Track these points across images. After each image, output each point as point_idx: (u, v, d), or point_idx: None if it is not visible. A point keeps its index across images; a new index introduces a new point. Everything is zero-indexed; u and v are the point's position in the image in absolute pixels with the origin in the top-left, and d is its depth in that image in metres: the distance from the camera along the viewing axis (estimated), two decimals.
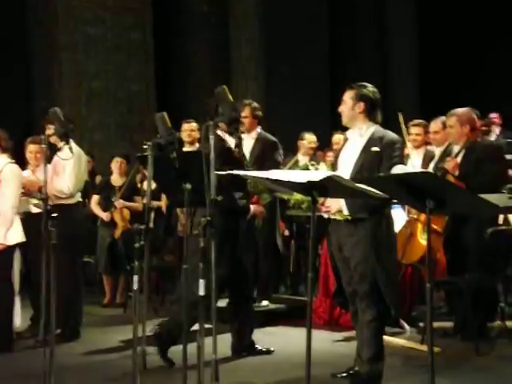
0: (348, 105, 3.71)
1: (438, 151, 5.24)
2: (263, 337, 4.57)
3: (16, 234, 4.78)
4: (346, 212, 3.59)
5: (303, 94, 11.13)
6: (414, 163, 5.28)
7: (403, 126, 5.83)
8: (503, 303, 4.96)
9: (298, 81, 11.12)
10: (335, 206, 3.61)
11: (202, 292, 2.90)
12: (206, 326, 3.20)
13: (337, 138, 6.36)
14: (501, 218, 4.79)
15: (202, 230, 2.89)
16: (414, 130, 5.62)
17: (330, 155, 6.84)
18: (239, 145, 4.40)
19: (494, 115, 7.43)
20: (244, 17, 10.41)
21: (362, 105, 3.68)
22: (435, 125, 5.42)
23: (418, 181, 2.70)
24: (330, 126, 8.40)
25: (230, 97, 3.10)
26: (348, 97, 3.72)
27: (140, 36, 9.45)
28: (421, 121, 5.69)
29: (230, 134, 4.34)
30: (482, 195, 2.97)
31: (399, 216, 4.70)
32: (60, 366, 3.69)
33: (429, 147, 5.67)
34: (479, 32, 11.46)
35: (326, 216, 3.68)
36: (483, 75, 11.20)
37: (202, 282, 2.89)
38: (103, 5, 9.21)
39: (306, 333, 2.89)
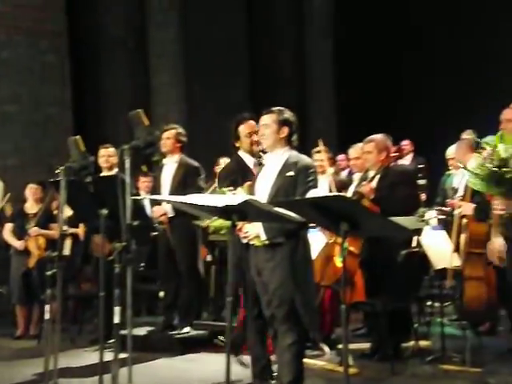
0: (272, 129, 3.68)
1: (357, 176, 5.38)
2: (184, 364, 4.48)
3: None
4: (263, 237, 3.59)
5: (225, 119, 11.15)
6: (321, 187, 5.39)
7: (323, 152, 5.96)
8: (417, 323, 5.09)
9: (220, 107, 11.17)
10: (253, 232, 3.61)
11: (117, 319, 2.82)
12: (122, 355, 3.12)
13: None
14: (414, 240, 4.93)
15: (118, 255, 2.82)
16: (317, 156, 5.77)
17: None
18: (260, 164, 4.39)
19: (405, 142, 7.66)
20: (163, 42, 10.37)
21: (286, 129, 3.69)
22: (354, 151, 5.58)
23: (332, 204, 2.76)
24: None
25: (146, 120, 3.06)
26: (271, 120, 3.69)
27: (55, 59, 9.22)
28: (323, 147, 5.86)
29: (253, 154, 4.35)
30: (395, 218, 3.06)
31: (319, 239, 4.77)
32: None
33: (343, 173, 5.82)
34: (397, 58, 11.81)
35: (244, 241, 3.68)
36: (400, 103, 11.56)
37: (117, 309, 2.82)
38: (17, 27, 8.95)
39: (226, 358, 2.86)
